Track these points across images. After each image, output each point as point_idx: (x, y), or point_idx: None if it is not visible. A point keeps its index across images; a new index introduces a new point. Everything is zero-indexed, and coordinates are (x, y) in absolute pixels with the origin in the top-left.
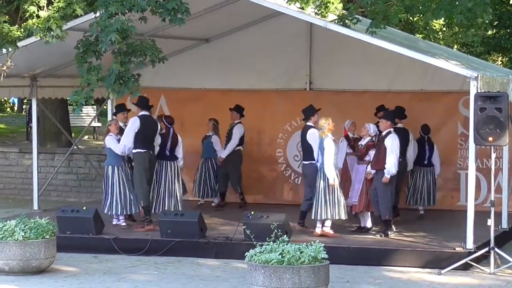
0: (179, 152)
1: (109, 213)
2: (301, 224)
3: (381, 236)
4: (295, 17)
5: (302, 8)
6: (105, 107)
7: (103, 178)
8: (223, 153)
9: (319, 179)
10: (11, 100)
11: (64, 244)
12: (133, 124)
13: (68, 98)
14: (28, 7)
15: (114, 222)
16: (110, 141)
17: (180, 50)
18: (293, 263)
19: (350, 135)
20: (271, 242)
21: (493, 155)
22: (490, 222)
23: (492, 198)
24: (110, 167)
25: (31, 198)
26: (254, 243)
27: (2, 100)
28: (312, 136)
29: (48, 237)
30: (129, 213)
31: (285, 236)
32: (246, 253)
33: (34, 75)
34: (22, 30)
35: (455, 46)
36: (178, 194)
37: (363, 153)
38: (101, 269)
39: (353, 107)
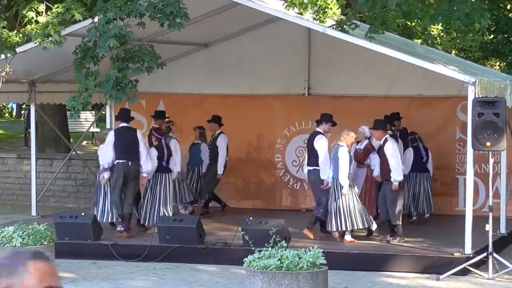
0: (174, 162)
1: (102, 221)
2: (323, 231)
3: (387, 242)
4: (293, 23)
5: (301, 14)
6: (103, 112)
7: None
8: (219, 170)
9: (333, 189)
10: (9, 106)
11: (63, 250)
12: (109, 138)
13: (66, 104)
14: (27, 12)
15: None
16: (100, 152)
17: (179, 55)
18: (292, 269)
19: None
20: (270, 248)
21: (491, 160)
22: (488, 227)
23: (490, 203)
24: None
25: (29, 204)
26: (253, 248)
27: (1, 105)
28: (321, 143)
29: (46, 243)
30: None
31: (284, 241)
32: (245, 259)
33: (32, 81)
34: (20, 35)
35: (453, 51)
36: (168, 206)
37: (362, 157)
38: (99, 275)
39: (351, 112)
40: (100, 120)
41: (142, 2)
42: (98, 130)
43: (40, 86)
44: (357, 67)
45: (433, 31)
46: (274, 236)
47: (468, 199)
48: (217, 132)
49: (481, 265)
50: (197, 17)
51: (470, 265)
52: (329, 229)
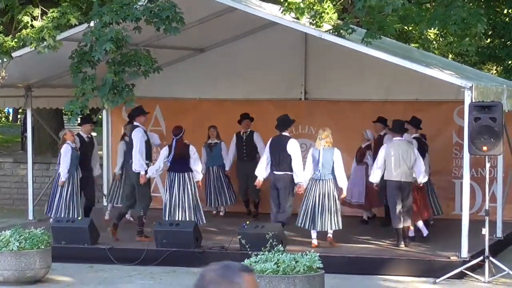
0: (194, 164)
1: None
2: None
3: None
4: (290, 27)
5: (297, 18)
6: (100, 116)
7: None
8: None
9: (317, 189)
10: (6, 110)
11: (59, 254)
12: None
13: (63, 108)
14: (22, 17)
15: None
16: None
17: (175, 60)
18: (288, 273)
19: None
20: (266, 252)
21: (488, 165)
22: (485, 231)
23: (487, 207)
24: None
25: (26, 208)
26: (250, 252)
27: None
28: (294, 146)
29: (43, 247)
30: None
31: (280, 245)
32: (242, 263)
33: (28, 85)
34: (16, 40)
35: (450, 56)
36: (186, 206)
37: (361, 154)
38: (96, 279)
39: (348, 117)
40: (96, 125)
41: (138, 6)
42: (94, 134)
43: (36, 90)
44: (353, 71)
45: (429, 35)
46: (270, 240)
47: (464, 203)
48: (249, 130)
49: (478, 268)
50: (193, 22)
51: (467, 269)
52: (318, 229)
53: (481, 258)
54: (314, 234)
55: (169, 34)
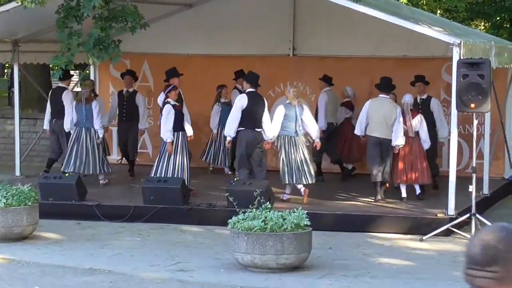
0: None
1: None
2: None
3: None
4: None
5: None
6: (87, 72)
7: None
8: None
9: (299, 144)
10: None
11: (47, 210)
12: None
13: (50, 64)
14: None
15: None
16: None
17: (164, 15)
18: (276, 230)
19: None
20: (254, 209)
21: (475, 122)
22: (472, 188)
23: (474, 164)
24: None
25: (13, 164)
26: (237, 210)
27: None
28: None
29: (30, 204)
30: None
31: (268, 203)
32: (229, 220)
33: (15, 40)
34: None
35: (439, 12)
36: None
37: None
38: (84, 236)
39: (336, 73)
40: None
41: None
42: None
43: (24, 45)
44: (342, 28)
45: None
46: (258, 197)
47: (452, 160)
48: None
49: (464, 225)
50: None
51: (453, 226)
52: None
53: (467, 215)
54: (302, 189)
55: None
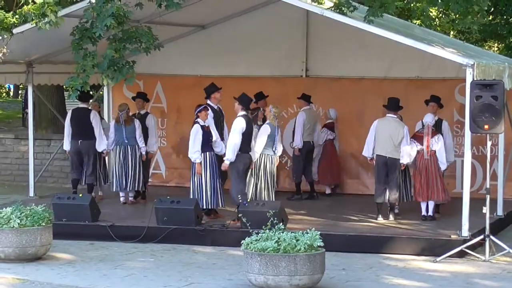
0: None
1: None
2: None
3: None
4: (292, 4)
5: None
6: (101, 93)
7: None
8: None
9: (273, 164)
10: (6, 85)
11: (60, 231)
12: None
13: (64, 85)
14: None
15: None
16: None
17: (177, 36)
18: (289, 251)
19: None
20: (267, 230)
21: (489, 143)
22: (486, 209)
23: (488, 186)
24: None
25: (27, 185)
26: (250, 230)
27: None
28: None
29: (44, 224)
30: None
31: (281, 223)
32: (242, 241)
33: (30, 62)
34: (17, 16)
35: (452, 33)
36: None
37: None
38: (97, 257)
39: (349, 94)
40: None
41: None
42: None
43: (38, 67)
44: (355, 49)
45: (431, 12)
46: (271, 218)
47: (465, 181)
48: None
49: (478, 247)
50: None
51: (467, 247)
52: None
53: (481, 236)
54: None
55: (170, 10)
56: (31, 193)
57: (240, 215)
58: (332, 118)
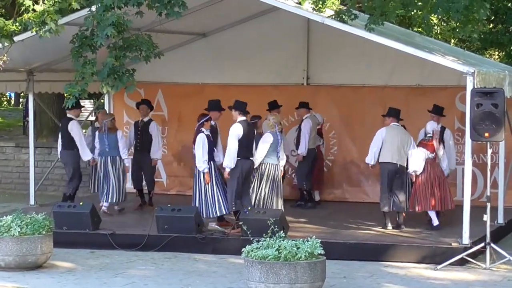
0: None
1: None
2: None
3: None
4: (292, 12)
5: (300, 3)
6: (102, 101)
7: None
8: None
9: (278, 172)
10: (7, 94)
11: (61, 239)
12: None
13: (64, 93)
14: (24, 1)
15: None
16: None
17: (178, 44)
18: (290, 259)
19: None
20: (268, 238)
21: (489, 151)
22: (486, 217)
23: (488, 193)
24: None
25: (28, 193)
26: (251, 238)
27: None
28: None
29: (44, 232)
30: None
31: (282, 231)
32: (243, 249)
33: (30, 70)
34: (17, 24)
35: (452, 41)
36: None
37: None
38: (98, 265)
39: (350, 102)
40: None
41: None
42: None
43: (38, 75)
44: (356, 57)
45: (432, 20)
46: (272, 226)
47: (466, 189)
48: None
49: (479, 255)
50: (195, 6)
51: (468, 255)
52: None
53: (482, 244)
54: None
55: (171, 19)
56: (32, 201)
57: (240, 223)
58: (319, 122)
